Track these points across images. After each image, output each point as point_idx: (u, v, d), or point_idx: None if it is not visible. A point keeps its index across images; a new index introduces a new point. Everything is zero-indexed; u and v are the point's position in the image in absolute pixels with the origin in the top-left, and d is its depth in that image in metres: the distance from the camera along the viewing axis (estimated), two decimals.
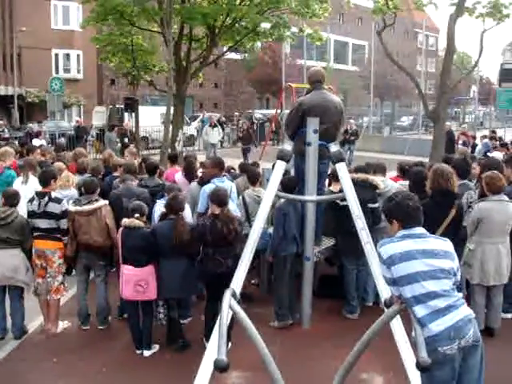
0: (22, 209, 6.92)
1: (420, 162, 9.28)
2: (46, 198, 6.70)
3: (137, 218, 6.16)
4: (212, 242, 6.05)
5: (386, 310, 4.05)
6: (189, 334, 6.53)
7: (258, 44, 30.94)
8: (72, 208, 6.65)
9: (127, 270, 6.14)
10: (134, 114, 24.68)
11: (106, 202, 6.87)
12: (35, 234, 6.72)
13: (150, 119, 28.27)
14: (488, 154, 14.02)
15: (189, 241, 6.06)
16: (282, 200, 7.01)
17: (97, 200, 6.75)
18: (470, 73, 26.55)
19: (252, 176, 7.84)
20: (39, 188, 7.02)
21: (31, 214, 6.74)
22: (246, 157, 21.46)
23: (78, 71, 41.64)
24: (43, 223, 6.67)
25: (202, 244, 6.14)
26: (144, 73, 23.47)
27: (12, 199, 6.65)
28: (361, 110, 42.36)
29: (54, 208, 6.67)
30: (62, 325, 7.03)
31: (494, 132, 20.80)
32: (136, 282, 6.08)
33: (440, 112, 15.65)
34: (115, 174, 8.69)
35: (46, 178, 6.95)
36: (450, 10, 15.18)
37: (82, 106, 40.67)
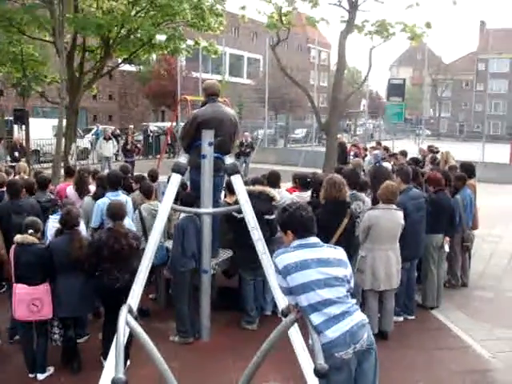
0: None
1: (314, 173, 9.51)
2: None
3: (30, 234, 5.92)
4: (108, 256, 5.91)
5: (283, 319, 4.10)
6: (86, 354, 6.32)
7: (154, 56, 30.71)
8: None
9: (20, 289, 5.84)
10: (24, 127, 23.75)
11: None
12: None
13: (42, 132, 27.26)
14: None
15: (86, 256, 5.90)
16: (182, 215, 6.97)
17: None
18: (360, 87, 27.51)
19: (146, 190, 7.75)
20: None
21: None
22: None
23: None
24: None
25: (99, 259, 5.99)
26: (35, 84, 22.66)
27: None
28: (256, 122, 42.94)
29: None
30: None
31: (379, 143, 21.65)
32: (30, 301, 5.80)
33: (332, 125, 16.14)
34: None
35: None
36: (340, 26, 15.74)
37: None
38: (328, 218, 6.45)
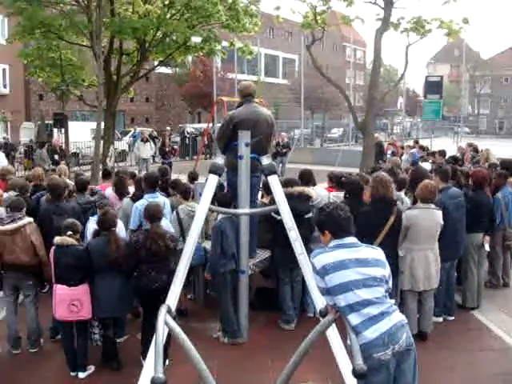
0: None
1: (349, 173, 9.45)
2: None
3: (69, 236, 6.02)
4: (145, 257, 5.98)
5: (321, 319, 4.09)
6: (125, 353, 6.41)
7: (189, 58, 30.95)
8: None
9: (60, 290, 5.96)
10: (63, 130, 24.18)
11: (31, 219, 6.66)
12: None
13: (81, 135, 27.76)
14: (419, 163, 14.42)
15: (123, 257, 5.97)
16: (220, 216, 7.00)
17: (20, 218, 6.54)
18: (396, 85, 27.34)
19: (183, 191, 7.80)
20: None
21: None
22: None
23: (5, 86, 40.37)
24: None
25: (137, 260, 6.06)
26: (73, 88, 23.04)
27: None
28: (292, 122, 42.86)
29: None
30: None
31: (416, 142, 21.43)
32: (70, 301, 5.91)
33: (369, 123, 16.05)
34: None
35: None
36: (376, 24, 15.64)
37: (8, 122, 39.47)
38: (375, 216, 6.42)
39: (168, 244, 6.05)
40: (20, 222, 6.48)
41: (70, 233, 6.02)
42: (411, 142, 23.08)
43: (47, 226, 6.91)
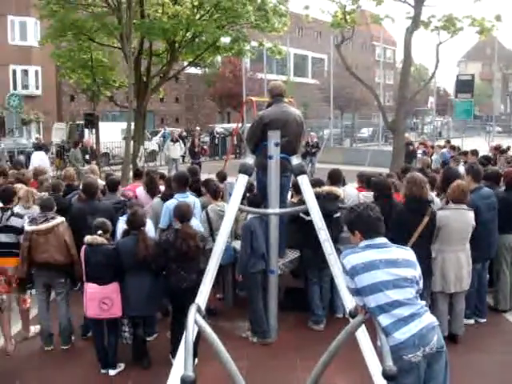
0: None
1: (379, 173, 9.39)
2: (9, 213, 6.78)
3: (100, 235, 6.10)
4: (175, 257, 6.02)
5: (351, 320, 4.07)
6: (155, 351, 6.46)
7: (219, 58, 31.07)
8: (29, 228, 6.53)
9: (91, 289, 6.05)
10: (94, 130, 24.45)
11: (63, 219, 6.77)
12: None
13: (111, 135, 28.04)
14: (451, 164, 14.25)
15: (153, 256, 6.02)
16: (250, 216, 7.01)
17: (53, 218, 6.64)
18: (427, 84, 27.04)
19: (213, 190, 7.82)
20: None
21: None
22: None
23: (37, 87, 41.04)
24: (4, 237, 6.67)
25: (166, 259, 6.10)
26: (104, 88, 23.30)
27: None
28: (321, 122, 42.71)
29: (15, 222, 6.74)
30: (34, 329, 7.06)
31: (448, 142, 21.18)
32: (100, 299, 5.99)
33: (399, 123, 15.93)
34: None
35: (7, 195, 7.03)
36: (406, 23, 15.52)
37: (41, 123, 40.09)
38: (409, 217, 6.37)
39: (198, 244, 6.08)
40: (53, 222, 6.58)
41: (100, 232, 6.10)
42: (442, 142, 22.82)
43: (81, 225, 6.99)
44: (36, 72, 40.76)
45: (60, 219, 6.68)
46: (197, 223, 6.80)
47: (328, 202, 6.98)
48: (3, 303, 6.71)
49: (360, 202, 4.65)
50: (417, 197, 6.50)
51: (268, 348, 6.77)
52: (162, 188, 8.38)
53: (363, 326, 4.35)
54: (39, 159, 18.37)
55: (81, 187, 7.95)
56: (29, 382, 6.10)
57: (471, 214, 6.64)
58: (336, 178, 7.91)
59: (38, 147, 20.46)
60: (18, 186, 8.50)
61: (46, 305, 6.86)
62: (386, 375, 3.26)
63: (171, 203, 6.97)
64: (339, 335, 3.80)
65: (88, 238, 6.09)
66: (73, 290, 7.10)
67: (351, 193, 7.88)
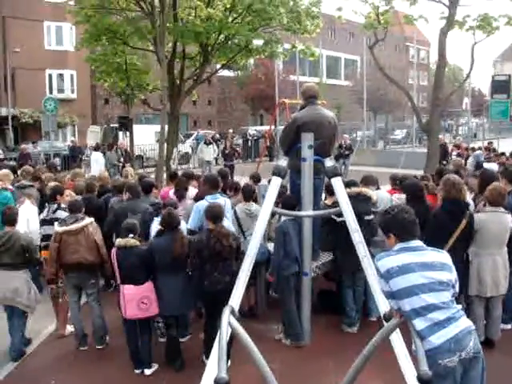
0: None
1: (414, 176, 9.29)
2: (55, 206, 7.41)
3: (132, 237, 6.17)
4: (208, 257, 6.05)
5: (385, 323, 4.03)
6: (188, 353, 6.49)
7: (251, 61, 31.13)
8: (59, 228, 6.67)
9: (128, 290, 6.11)
10: (128, 133, 24.70)
11: (92, 219, 6.92)
12: (43, 243, 7.26)
13: (145, 138, 28.33)
14: (484, 165, 14.05)
15: (187, 255, 6.07)
16: (283, 218, 7.00)
17: (83, 218, 6.79)
18: (461, 85, 26.71)
19: (247, 192, 7.84)
20: (33, 210, 7.85)
21: (42, 222, 7.48)
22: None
23: (72, 91, 41.71)
24: (51, 230, 6.95)
25: (200, 260, 6.13)
26: (138, 91, 23.51)
27: (9, 217, 6.76)
28: (354, 124, 42.44)
29: (61, 215, 7.21)
30: (70, 328, 7.22)
31: (490, 143, 20.91)
32: (139, 299, 6.06)
33: (433, 124, 15.73)
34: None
35: (54, 193, 7.80)
36: (440, 23, 15.33)
37: (76, 126, 40.70)
38: (446, 219, 6.30)
39: (231, 243, 6.11)
40: (83, 222, 6.73)
41: (131, 235, 6.17)
42: (477, 144, 22.53)
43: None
44: (71, 76, 41.42)
45: (89, 220, 6.82)
46: (228, 223, 6.82)
47: (358, 203, 6.87)
48: (58, 290, 7.01)
49: (394, 205, 4.59)
50: (455, 199, 6.41)
51: (301, 351, 6.75)
52: (195, 190, 8.43)
53: (398, 329, 4.30)
54: (94, 160, 19.03)
55: (125, 188, 8.19)
56: (63, 381, 6.20)
57: (508, 217, 6.53)
58: (368, 180, 7.86)
59: (96, 148, 21.02)
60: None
61: (77, 306, 6.99)
62: (421, 380, 3.22)
63: (202, 204, 7.02)
64: (373, 339, 3.77)
65: (120, 241, 6.16)
66: (107, 291, 7.20)
67: (384, 196, 7.81)
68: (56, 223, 6.87)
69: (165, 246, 6.08)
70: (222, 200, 7.43)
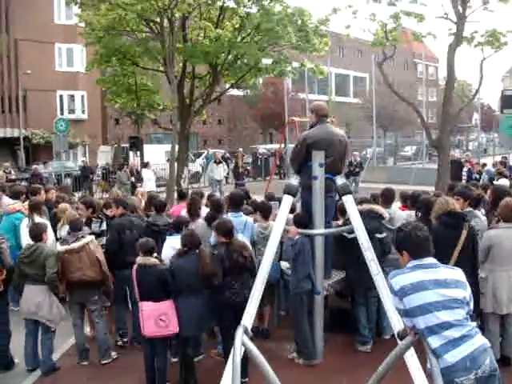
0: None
1: (425, 192, 9.26)
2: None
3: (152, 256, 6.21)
4: (230, 269, 6.07)
5: (399, 342, 4.01)
6: (201, 372, 6.46)
7: (260, 80, 31.25)
8: (61, 248, 6.77)
9: (147, 307, 6.09)
10: (139, 153, 24.84)
11: (93, 237, 7.05)
12: None
13: (155, 157, 28.43)
14: (495, 181, 13.98)
15: (213, 271, 6.06)
16: (296, 237, 7.00)
17: (83, 236, 6.89)
18: (471, 101, 26.67)
19: (264, 210, 7.86)
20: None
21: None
22: None
23: (83, 111, 42.06)
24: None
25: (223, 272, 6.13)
26: (148, 111, 23.69)
27: (35, 233, 6.90)
28: (364, 141, 42.45)
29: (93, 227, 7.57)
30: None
31: (505, 158, 20.86)
32: (157, 316, 6.03)
33: (444, 140, 15.71)
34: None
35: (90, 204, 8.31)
36: (448, 39, 15.37)
37: (87, 146, 40.99)
38: (444, 232, 6.24)
39: (252, 254, 6.15)
40: (84, 240, 6.85)
41: (155, 254, 6.23)
42: (488, 159, 22.46)
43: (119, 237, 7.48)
44: (82, 97, 41.80)
45: (90, 237, 6.96)
46: (241, 237, 6.82)
47: (368, 220, 6.84)
48: None
49: (408, 222, 4.58)
50: (450, 213, 6.38)
51: (314, 369, 6.70)
52: (207, 209, 8.44)
53: (412, 347, 4.27)
54: (147, 178, 19.27)
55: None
56: None
57: None
58: (388, 196, 7.85)
59: (146, 165, 21.25)
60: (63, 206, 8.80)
61: (80, 322, 7.08)
62: None
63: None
64: (387, 357, 3.75)
65: (140, 260, 6.19)
66: (105, 306, 7.31)
67: (401, 214, 7.76)
68: (58, 243, 6.96)
69: (189, 266, 6.05)
70: (244, 218, 7.46)
